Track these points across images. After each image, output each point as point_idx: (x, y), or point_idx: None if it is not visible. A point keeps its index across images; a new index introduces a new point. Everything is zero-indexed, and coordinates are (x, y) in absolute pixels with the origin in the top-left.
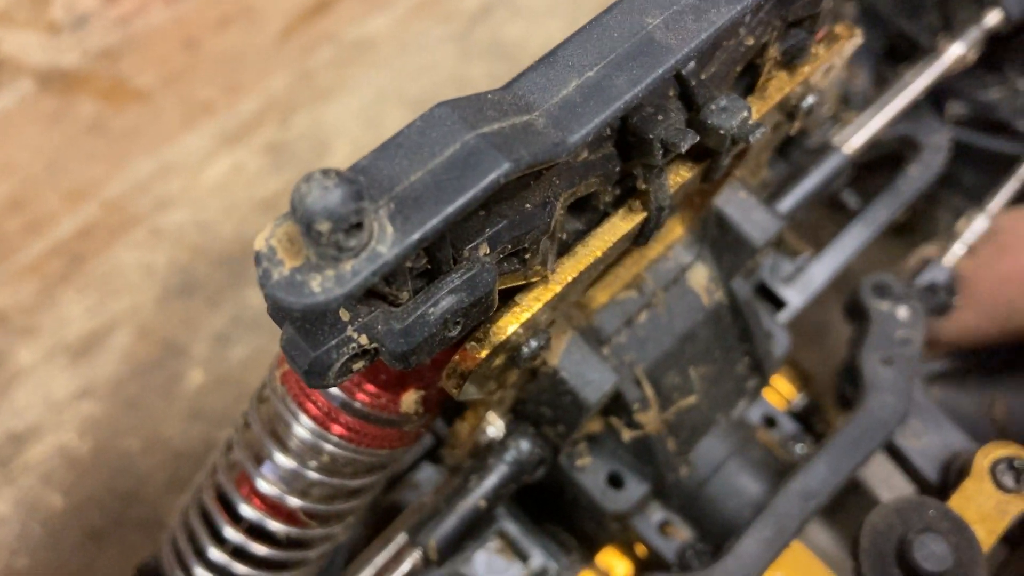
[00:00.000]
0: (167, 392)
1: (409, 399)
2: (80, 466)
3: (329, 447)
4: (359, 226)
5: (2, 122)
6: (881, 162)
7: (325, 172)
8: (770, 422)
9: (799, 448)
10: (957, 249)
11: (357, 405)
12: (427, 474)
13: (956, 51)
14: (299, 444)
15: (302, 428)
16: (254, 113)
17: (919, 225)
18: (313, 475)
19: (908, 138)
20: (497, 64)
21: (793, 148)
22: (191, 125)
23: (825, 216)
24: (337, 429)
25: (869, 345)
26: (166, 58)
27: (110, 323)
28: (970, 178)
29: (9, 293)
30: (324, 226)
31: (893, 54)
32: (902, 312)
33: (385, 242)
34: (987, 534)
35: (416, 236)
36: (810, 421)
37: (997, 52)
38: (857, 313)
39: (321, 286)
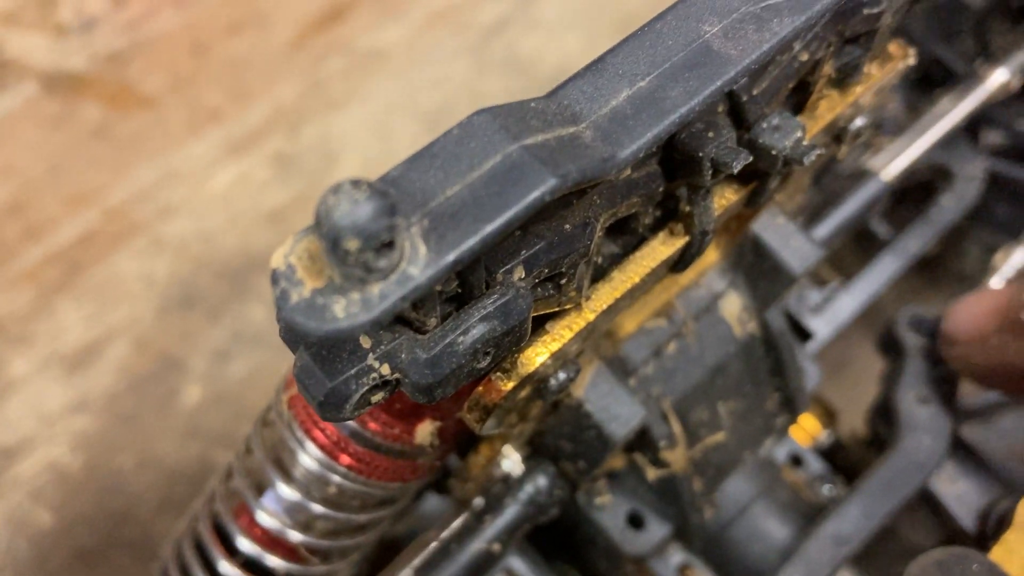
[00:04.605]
0: (163, 408)
1: (424, 430)
2: (71, 483)
3: (336, 478)
4: (390, 245)
5: (5, 124)
6: (912, 191)
7: (355, 183)
8: (796, 461)
9: (827, 489)
10: (994, 284)
11: (368, 435)
12: (432, 505)
13: (1000, 78)
14: (304, 474)
15: (308, 457)
16: (262, 122)
17: (947, 259)
18: (318, 508)
19: (941, 167)
20: (512, 79)
21: (824, 174)
22: (197, 132)
23: (850, 244)
24: (346, 459)
25: (905, 382)
26: (174, 63)
27: (107, 334)
28: (1004, 211)
29: (5, 300)
30: (352, 244)
31: (927, 80)
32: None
33: (417, 263)
34: None
35: (452, 257)
36: (835, 459)
37: None
38: (892, 348)
39: (345, 311)
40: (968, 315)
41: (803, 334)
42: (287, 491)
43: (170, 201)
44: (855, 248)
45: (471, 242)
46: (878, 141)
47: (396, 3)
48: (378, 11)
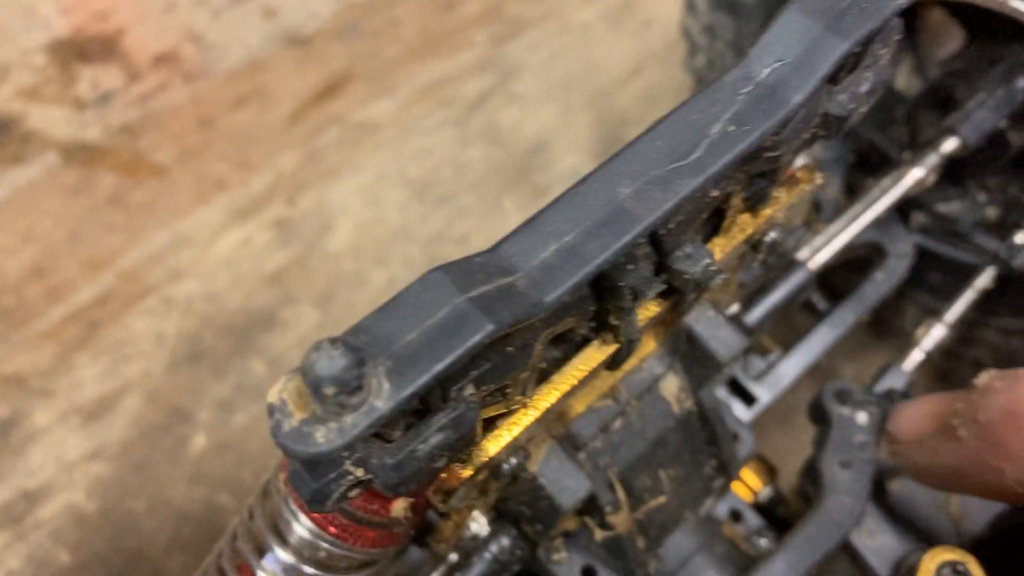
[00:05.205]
0: (172, 455)
1: (399, 506)
2: (88, 524)
3: (326, 545)
4: (360, 387)
5: (29, 193)
6: (851, 263)
7: (333, 342)
8: (736, 516)
9: (763, 542)
10: (916, 356)
11: (352, 509)
12: (413, 556)
13: (916, 175)
14: (298, 540)
15: (301, 527)
16: (263, 190)
17: (889, 317)
18: (310, 569)
19: (876, 244)
20: (493, 148)
21: (771, 253)
22: (204, 199)
23: (796, 312)
24: (333, 530)
25: (829, 448)
26: (183, 135)
27: (121, 388)
28: (936, 278)
29: (29, 357)
30: (330, 390)
31: (865, 163)
32: (861, 418)
33: (382, 397)
34: None
35: (408, 392)
36: (775, 512)
37: (959, 166)
38: (819, 416)
39: (325, 437)
40: (908, 418)
41: (748, 398)
42: (284, 555)
43: (179, 264)
44: (802, 318)
45: (424, 379)
46: (816, 224)
47: (387, 79)
48: (370, 87)
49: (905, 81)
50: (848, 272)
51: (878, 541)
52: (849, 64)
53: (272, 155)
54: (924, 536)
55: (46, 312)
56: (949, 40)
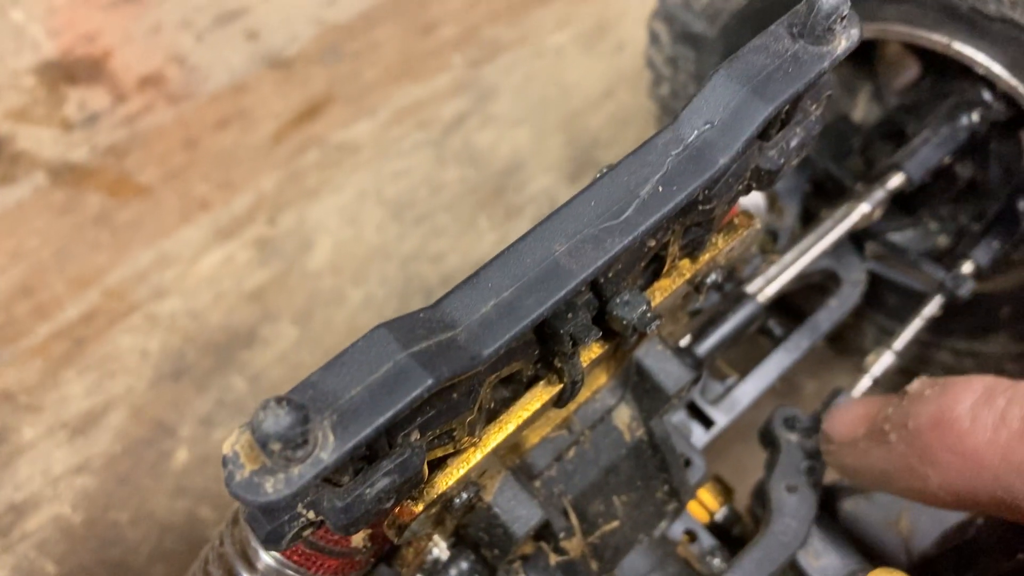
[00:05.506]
0: (155, 469)
1: (358, 537)
2: (73, 536)
3: (290, 572)
4: (305, 442)
5: (17, 212)
6: (807, 289)
7: (279, 401)
8: (692, 536)
9: (716, 562)
10: (865, 383)
11: (314, 539)
12: (383, 573)
13: (863, 210)
14: (265, 567)
15: (267, 555)
16: (245, 209)
17: (849, 337)
18: None
19: (830, 271)
20: (469, 169)
21: (726, 281)
22: (188, 219)
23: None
24: (296, 558)
25: (777, 473)
26: (167, 156)
27: (106, 403)
28: (893, 301)
29: (16, 373)
30: (276, 446)
31: (821, 191)
32: (809, 443)
33: (327, 449)
34: None
35: (351, 444)
36: (732, 532)
37: (913, 195)
38: (769, 442)
39: (273, 487)
40: (842, 419)
41: (706, 421)
42: None
43: (163, 282)
44: (760, 343)
45: (367, 431)
46: (771, 254)
47: (366, 101)
48: (350, 109)
49: (864, 110)
50: (810, 292)
51: (824, 561)
52: (779, 122)
53: (254, 175)
54: (872, 555)
55: (33, 329)
56: (906, 71)
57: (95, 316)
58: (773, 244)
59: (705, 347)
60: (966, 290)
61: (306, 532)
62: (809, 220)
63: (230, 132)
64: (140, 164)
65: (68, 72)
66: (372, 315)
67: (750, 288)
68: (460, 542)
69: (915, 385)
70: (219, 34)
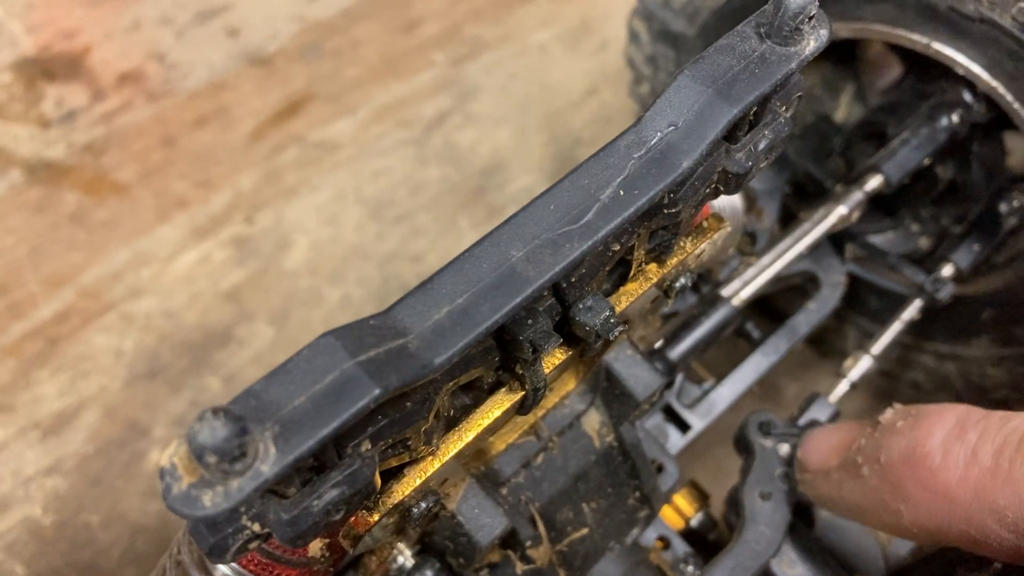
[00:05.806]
0: (128, 470)
1: (315, 546)
2: (43, 538)
3: None
4: (244, 455)
5: None
6: (788, 291)
7: (215, 412)
8: (665, 543)
9: (690, 569)
10: (842, 387)
11: (270, 549)
12: None
13: (840, 212)
14: (222, 575)
15: (224, 565)
16: (223, 208)
17: (831, 338)
18: None
19: (810, 274)
20: (449, 168)
21: (702, 281)
22: (165, 217)
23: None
24: (252, 567)
25: (751, 480)
26: (145, 154)
27: (79, 403)
28: (874, 303)
29: None
30: (212, 459)
31: (802, 192)
32: (783, 450)
33: (268, 462)
34: None
35: (293, 457)
36: (707, 537)
37: (894, 196)
38: (743, 447)
39: (212, 501)
40: (816, 448)
41: (683, 425)
42: None
43: (138, 281)
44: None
45: (310, 443)
46: (749, 256)
47: (347, 99)
48: (330, 107)
49: (846, 110)
50: (791, 293)
51: (799, 570)
52: (746, 124)
53: (232, 174)
54: (850, 563)
55: (7, 328)
56: (890, 72)
57: (70, 315)
58: (752, 246)
59: (678, 351)
60: (946, 293)
61: (252, 544)
62: (790, 221)
63: (209, 130)
64: (117, 162)
65: (46, 69)
66: (350, 315)
67: (727, 291)
68: (426, 550)
69: (888, 415)
70: (199, 31)
